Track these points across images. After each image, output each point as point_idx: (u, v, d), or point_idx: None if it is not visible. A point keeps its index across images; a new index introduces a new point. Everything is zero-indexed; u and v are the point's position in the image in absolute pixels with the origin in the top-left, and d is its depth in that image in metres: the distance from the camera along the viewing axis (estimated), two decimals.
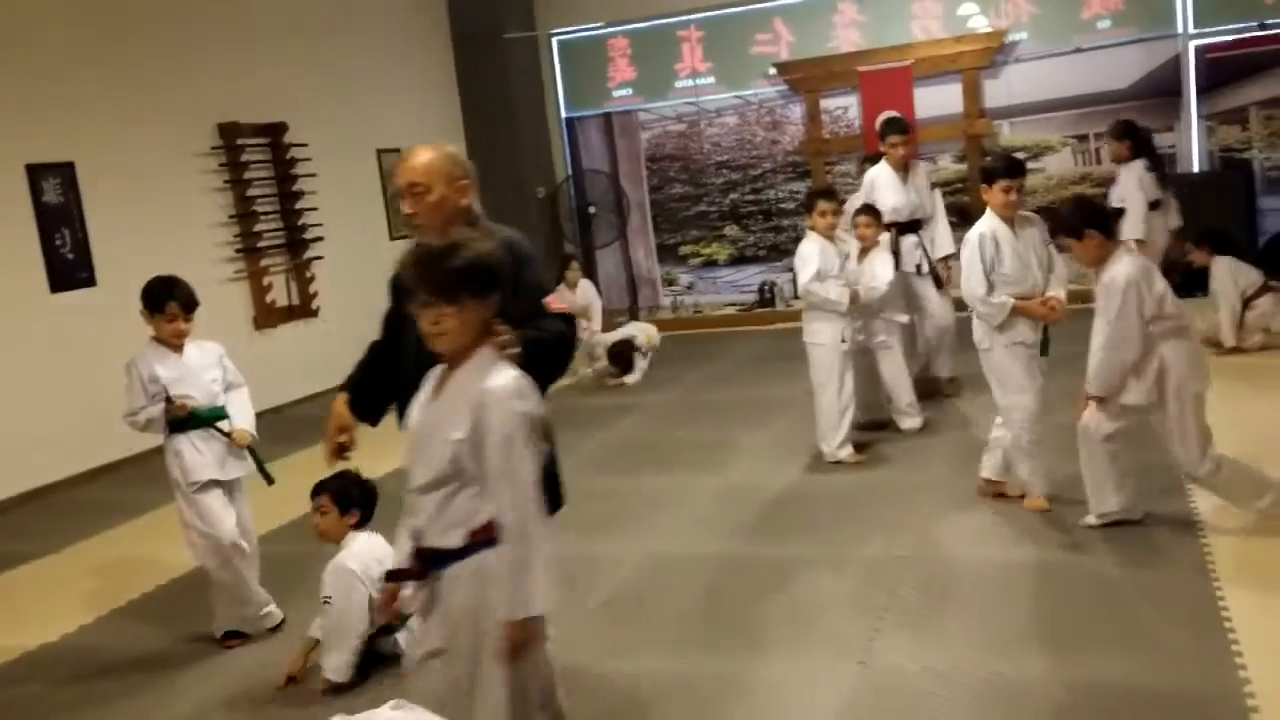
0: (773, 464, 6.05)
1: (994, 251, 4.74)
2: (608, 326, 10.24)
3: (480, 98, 11.37)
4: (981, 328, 4.84)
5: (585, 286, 9.23)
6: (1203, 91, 9.91)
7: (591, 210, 11.65)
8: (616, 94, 11.69)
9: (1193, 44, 9.87)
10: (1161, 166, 7.80)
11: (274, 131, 9.02)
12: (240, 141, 8.70)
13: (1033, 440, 4.79)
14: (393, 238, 10.41)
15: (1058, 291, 4.78)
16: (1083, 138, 10.32)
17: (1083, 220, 4.37)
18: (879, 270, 6.24)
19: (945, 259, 6.94)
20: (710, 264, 11.76)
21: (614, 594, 4.47)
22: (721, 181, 11.56)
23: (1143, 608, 3.83)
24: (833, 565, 4.51)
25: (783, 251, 11.06)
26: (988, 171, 4.86)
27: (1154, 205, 7.55)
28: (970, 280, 4.76)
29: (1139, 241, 7.09)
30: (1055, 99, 10.28)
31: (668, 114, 11.63)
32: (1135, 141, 7.63)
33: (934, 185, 7.11)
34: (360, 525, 4.04)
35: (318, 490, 4.04)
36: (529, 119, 11.57)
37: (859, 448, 5.97)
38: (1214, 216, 8.35)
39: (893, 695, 3.43)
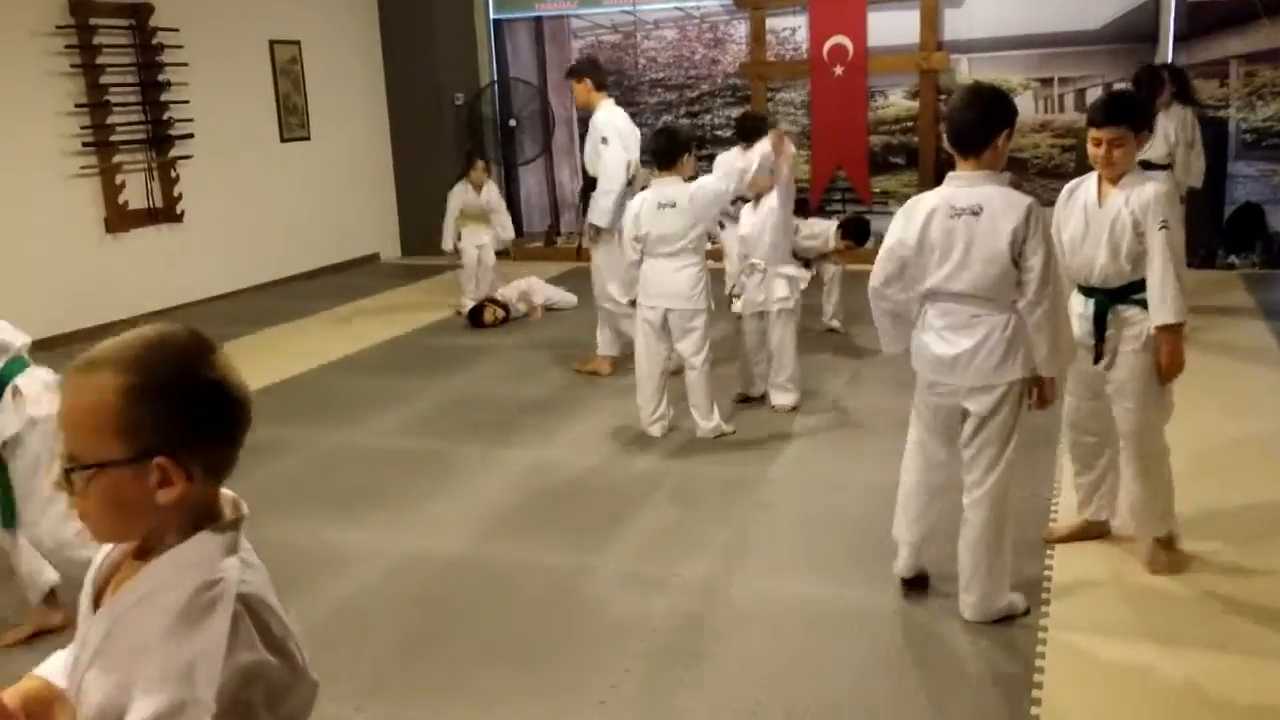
0: (607, 438, 5.29)
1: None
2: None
3: None
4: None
5: (490, 189, 8.26)
6: (1180, 39, 8.94)
7: (512, 124, 10.70)
8: None
9: None
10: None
11: (137, 12, 8.06)
12: (94, 21, 7.75)
13: None
14: (284, 139, 9.52)
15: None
16: (1047, 81, 9.38)
17: None
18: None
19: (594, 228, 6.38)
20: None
21: (336, 609, 3.73)
22: (655, 101, 10.58)
23: (949, 679, 3.10)
24: (605, 585, 3.77)
25: None
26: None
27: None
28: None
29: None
30: (1020, 35, 9.32)
31: (602, 22, 10.62)
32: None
33: (603, 139, 6.29)
34: None
35: None
36: (452, 17, 10.55)
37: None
38: None
39: None
